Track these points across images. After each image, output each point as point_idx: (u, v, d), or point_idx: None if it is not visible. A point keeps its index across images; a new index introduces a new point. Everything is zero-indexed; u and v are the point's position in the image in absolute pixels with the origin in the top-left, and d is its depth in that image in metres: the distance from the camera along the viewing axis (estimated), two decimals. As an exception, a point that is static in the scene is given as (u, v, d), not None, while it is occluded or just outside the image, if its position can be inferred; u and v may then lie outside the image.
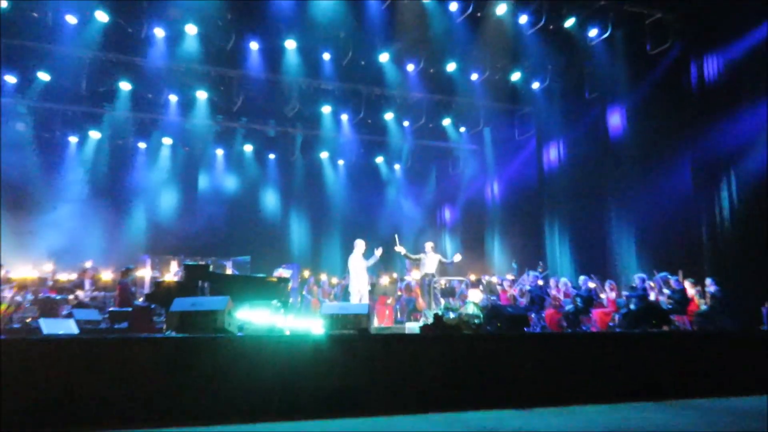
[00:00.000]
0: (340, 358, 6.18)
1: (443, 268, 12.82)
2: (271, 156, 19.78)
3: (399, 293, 15.40)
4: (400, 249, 12.34)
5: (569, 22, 13.74)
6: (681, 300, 11.49)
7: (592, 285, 13.17)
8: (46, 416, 5.10)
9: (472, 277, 15.97)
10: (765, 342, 8.70)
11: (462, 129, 19.57)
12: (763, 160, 12.24)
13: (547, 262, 16.59)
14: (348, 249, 12.31)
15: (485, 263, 19.22)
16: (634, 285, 12.30)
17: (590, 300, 12.39)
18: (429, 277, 12.28)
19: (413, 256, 12.74)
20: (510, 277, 14.88)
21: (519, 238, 18.52)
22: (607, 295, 12.81)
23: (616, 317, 11.80)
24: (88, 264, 14.21)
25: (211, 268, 10.16)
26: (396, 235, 12.63)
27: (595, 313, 12.14)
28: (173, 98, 16.53)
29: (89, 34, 13.58)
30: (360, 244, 12.04)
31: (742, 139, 12.61)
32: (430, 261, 12.34)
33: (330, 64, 15.45)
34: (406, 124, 18.73)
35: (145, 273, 15.78)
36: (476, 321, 8.49)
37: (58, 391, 5.26)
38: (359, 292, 11.72)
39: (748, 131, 12.52)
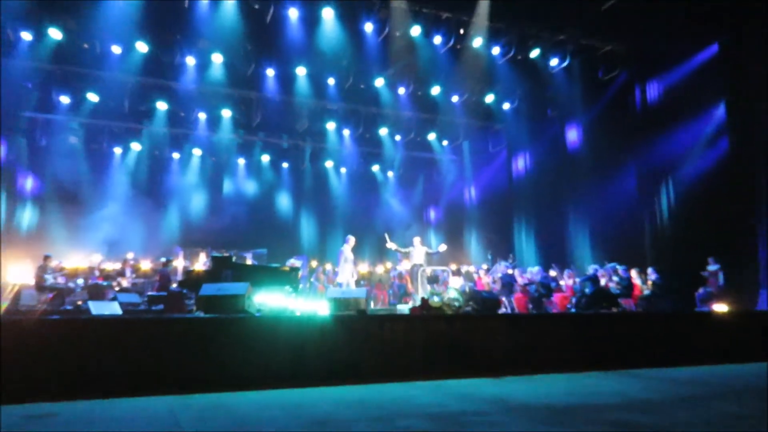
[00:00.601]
0: (342, 334, 6.18)
1: (429, 259, 12.81)
2: (285, 165, 19.73)
3: (392, 280, 15.43)
4: (391, 245, 12.32)
5: (534, 53, 13.77)
6: (627, 286, 11.54)
7: (553, 273, 13.19)
8: (95, 383, 5.08)
9: (453, 267, 16.00)
10: (697, 321, 8.75)
11: (444, 142, 19.64)
12: (695, 169, 12.31)
13: (516, 254, 16.63)
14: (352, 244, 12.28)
15: (464, 255, 19.25)
16: (588, 273, 12.35)
17: (548, 286, 12.36)
18: (417, 267, 12.28)
19: (403, 250, 12.73)
20: (485, 266, 14.89)
21: (492, 234, 18.55)
22: (566, 282, 12.85)
23: (573, 300, 11.83)
24: (130, 255, 14.15)
25: (233, 258, 10.15)
26: (386, 234, 12.61)
27: (556, 297, 12.17)
28: (202, 116, 16.48)
29: (131, 61, 13.54)
30: (351, 240, 12.01)
31: (678, 151, 12.69)
32: (418, 253, 12.32)
33: (334, 88, 15.45)
34: (397, 138, 18.75)
35: (178, 263, 15.73)
36: (456, 303, 8.51)
37: (105, 362, 5.25)
38: (345, 280, 11.67)
39: (683, 144, 12.60)
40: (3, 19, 11.79)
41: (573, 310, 11.27)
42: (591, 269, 12.37)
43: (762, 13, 10.77)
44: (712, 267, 11.14)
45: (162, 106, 15.48)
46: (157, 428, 3.71)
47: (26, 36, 12.33)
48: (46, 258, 11.09)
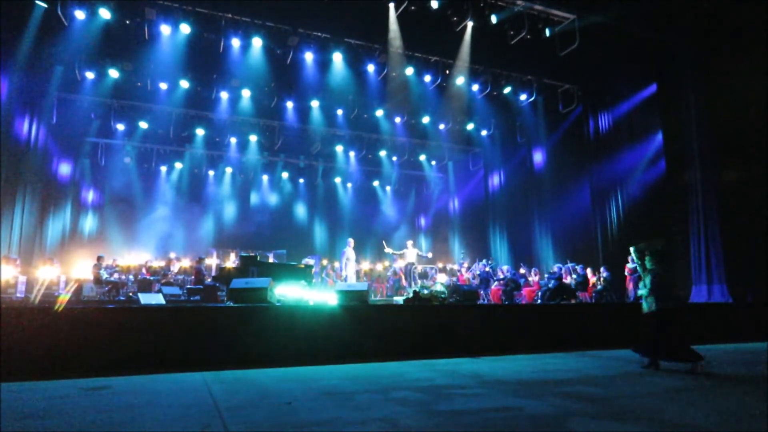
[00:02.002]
0: (348, 321, 6.17)
1: (419, 258, 12.80)
2: (301, 180, 19.76)
3: (389, 276, 15.40)
4: (388, 250, 12.33)
5: (506, 90, 13.85)
6: (583, 282, 11.53)
7: (522, 271, 13.13)
8: (143, 360, 5.07)
9: (440, 265, 16.00)
10: (639, 311, 8.73)
11: (433, 162, 19.70)
12: (638, 185, 12.38)
13: (491, 254, 16.62)
14: (354, 246, 12.27)
15: (449, 255, 19.24)
16: (552, 271, 12.32)
17: (518, 282, 12.29)
18: (410, 265, 12.27)
19: (398, 252, 12.72)
20: (466, 264, 14.88)
21: (472, 238, 18.55)
22: (533, 278, 12.82)
23: (539, 293, 11.81)
24: (172, 255, 14.11)
25: (258, 258, 10.11)
26: (384, 242, 12.63)
27: (525, 291, 12.14)
28: (233, 140, 16.52)
29: (175, 95, 13.59)
30: (351, 242, 11.98)
31: (624, 171, 12.75)
32: (410, 253, 12.25)
33: (342, 117, 15.49)
34: (394, 158, 18.81)
35: (212, 261, 15.69)
36: (442, 295, 8.48)
37: (151, 343, 5.24)
38: (350, 276, 11.61)
39: (628, 165, 12.68)
40: (72, 62, 11.87)
41: (539, 301, 11.27)
42: (555, 268, 12.36)
43: (690, 60, 10.90)
44: (632, 265, 11.10)
45: (200, 132, 15.49)
46: (193, 399, 3.70)
47: (90, 75, 12.40)
48: (99, 258, 11.08)
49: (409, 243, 12.65)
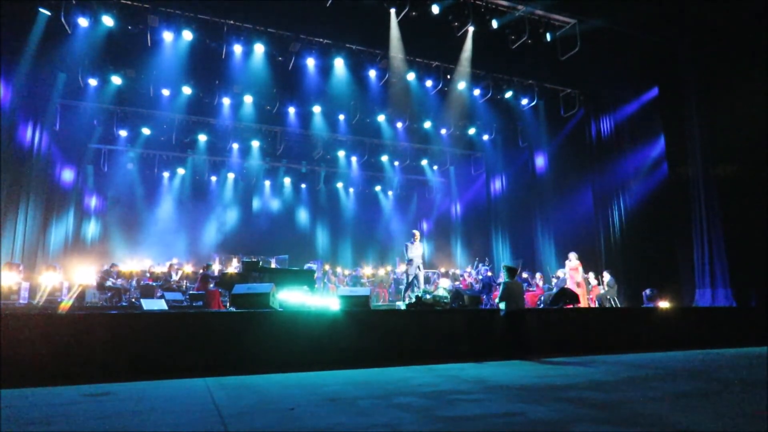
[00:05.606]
0: (350, 326, 6.18)
1: (422, 263, 12.72)
2: (303, 186, 19.78)
3: (391, 280, 15.38)
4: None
5: (508, 94, 13.87)
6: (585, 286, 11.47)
7: (525, 275, 13.10)
8: (147, 365, 5.08)
9: (442, 270, 15.96)
10: (642, 315, 8.72)
11: (435, 167, 19.69)
12: (641, 189, 12.35)
13: (493, 259, 16.59)
14: (356, 251, 12.26)
15: (451, 260, 19.21)
16: (558, 276, 12.28)
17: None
18: (412, 268, 12.12)
19: (404, 263, 12.56)
20: (468, 269, 14.84)
21: (474, 243, 18.54)
22: (536, 282, 12.78)
23: (542, 298, 11.78)
24: (174, 261, 14.13)
25: (260, 263, 10.10)
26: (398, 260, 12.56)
27: (528, 295, 12.09)
28: (235, 146, 16.53)
29: (178, 102, 13.65)
30: (416, 234, 11.06)
31: (626, 175, 12.73)
32: (416, 249, 11.30)
33: (344, 123, 15.52)
34: (396, 163, 18.82)
35: (214, 267, 15.67)
36: (445, 300, 8.45)
37: (154, 348, 5.25)
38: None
39: (630, 169, 12.65)
40: (75, 69, 11.95)
41: (541, 306, 11.22)
42: (559, 272, 12.30)
43: (692, 63, 10.91)
44: (573, 263, 10.98)
45: (203, 138, 15.55)
46: (195, 405, 3.70)
47: (93, 82, 12.47)
48: (113, 266, 11.13)
49: (416, 234, 12.54)
